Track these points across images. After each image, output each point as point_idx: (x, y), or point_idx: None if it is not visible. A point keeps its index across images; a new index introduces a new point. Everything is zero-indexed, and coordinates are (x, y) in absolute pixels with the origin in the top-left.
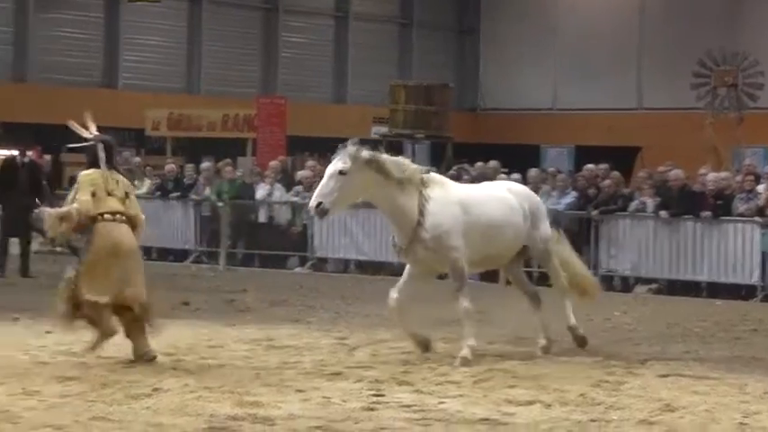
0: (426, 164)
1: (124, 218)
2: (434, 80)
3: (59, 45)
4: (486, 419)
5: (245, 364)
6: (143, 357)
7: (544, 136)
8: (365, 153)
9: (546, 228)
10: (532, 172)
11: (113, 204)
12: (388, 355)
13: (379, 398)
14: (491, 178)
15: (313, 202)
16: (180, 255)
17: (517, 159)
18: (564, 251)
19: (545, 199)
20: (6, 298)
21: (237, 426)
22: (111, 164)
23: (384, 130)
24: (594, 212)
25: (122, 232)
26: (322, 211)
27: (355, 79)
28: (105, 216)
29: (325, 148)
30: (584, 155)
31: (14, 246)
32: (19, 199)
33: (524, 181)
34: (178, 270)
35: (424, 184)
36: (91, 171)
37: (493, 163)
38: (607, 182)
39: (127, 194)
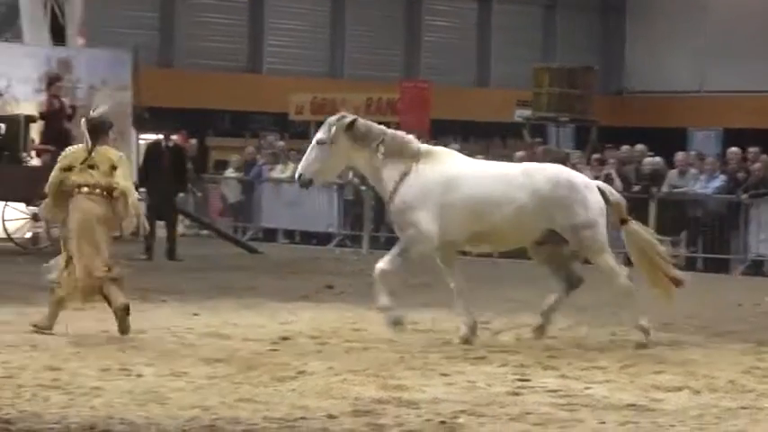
0: (570, 147)
1: (102, 191)
2: (578, 63)
3: (205, 30)
4: (633, 405)
5: (389, 348)
6: (120, 309)
7: (691, 119)
8: (345, 121)
9: (584, 215)
10: (679, 155)
11: (89, 178)
12: (533, 339)
13: (524, 382)
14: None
15: (296, 174)
16: (323, 238)
17: (663, 143)
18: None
19: (693, 183)
20: (153, 281)
21: (382, 409)
22: (96, 140)
23: (527, 113)
24: (744, 196)
25: (91, 204)
26: (304, 181)
27: (498, 62)
28: (82, 189)
29: (468, 132)
30: (732, 138)
31: (161, 229)
32: (164, 183)
33: (671, 165)
34: (321, 254)
35: (419, 156)
36: (73, 147)
37: (639, 147)
38: (757, 165)
39: (114, 167)
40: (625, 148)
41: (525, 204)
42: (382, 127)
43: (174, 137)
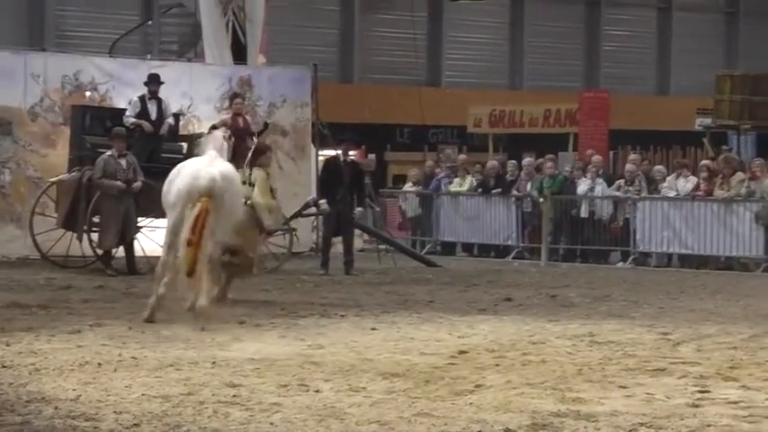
0: (753, 155)
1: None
2: (762, 69)
3: (384, 45)
4: None
5: (567, 360)
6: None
7: None
8: None
9: None
10: None
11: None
12: (714, 350)
13: (705, 394)
14: None
15: None
16: (501, 251)
17: None
18: None
19: None
20: (332, 295)
21: (560, 422)
22: (255, 161)
23: (708, 121)
24: None
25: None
26: None
27: (679, 70)
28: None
29: (648, 141)
30: None
31: (339, 244)
32: (341, 198)
33: None
34: (500, 266)
35: None
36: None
37: None
38: None
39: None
40: None
41: None
42: None
43: (352, 152)
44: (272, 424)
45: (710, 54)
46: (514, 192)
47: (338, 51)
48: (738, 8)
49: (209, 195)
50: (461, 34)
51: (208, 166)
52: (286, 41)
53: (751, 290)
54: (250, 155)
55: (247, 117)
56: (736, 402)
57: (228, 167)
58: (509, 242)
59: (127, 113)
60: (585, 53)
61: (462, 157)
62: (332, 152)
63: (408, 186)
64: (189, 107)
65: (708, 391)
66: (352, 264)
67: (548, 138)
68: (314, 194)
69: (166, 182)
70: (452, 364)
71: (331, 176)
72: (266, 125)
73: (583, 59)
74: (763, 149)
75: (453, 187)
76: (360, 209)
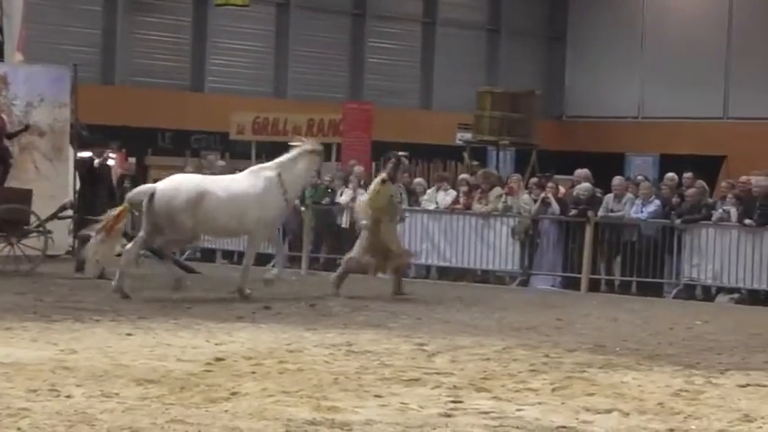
0: (511, 170)
1: None
2: (521, 87)
3: (147, 48)
4: (564, 427)
5: (324, 369)
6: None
7: (629, 144)
8: None
9: None
10: (616, 180)
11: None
12: (468, 361)
13: (457, 404)
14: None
15: None
16: (262, 259)
17: (602, 167)
18: None
19: (629, 207)
20: (88, 299)
21: (315, 430)
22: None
23: (468, 136)
24: (678, 221)
25: None
26: None
27: (441, 85)
28: None
29: (410, 154)
30: (669, 163)
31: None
32: (90, 200)
33: (608, 189)
34: (260, 274)
35: None
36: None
37: (580, 172)
38: (691, 191)
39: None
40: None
41: None
42: None
43: (110, 154)
44: (19, 429)
45: (472, 70)
46: None
47: (100, 52)
48: (500, 26)
49: None
50: (226, 40)
51: None
52: (46, 40)
53: (506, 303)
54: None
55: (3, 116)
56: (487, 413)
57: None
58: (269, 250)
59: None
60: (350, 64)
61: (221, 163)
62: (88, 154)
63: None
64: None
65: (460, 402)
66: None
67: None
68: (71, 197)
69: None
70: (208, 371)
71: (81, 178)
72: (27, 126)
73: (347, 71)
74: (520, 165)
75: None
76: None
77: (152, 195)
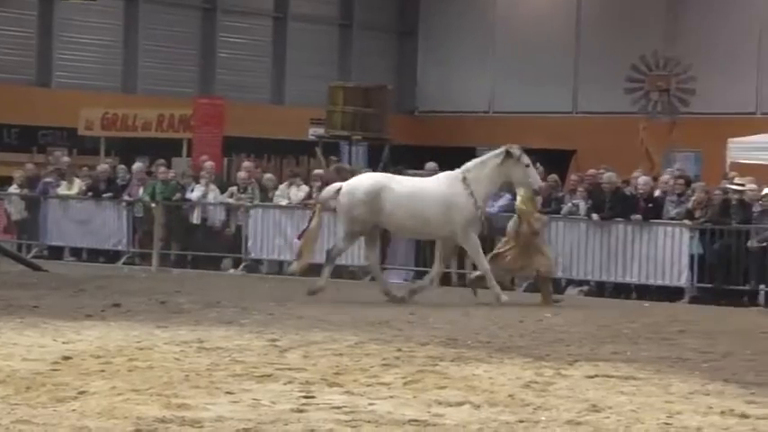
0: (364, 165)
1: None
2: (374, 82)
3: None
4: (416, 420)
5: (174, 366)
6: None
7: (481, 138)
8: None
9: None
10: None
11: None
12: (320, 356)
13: (309, 399)
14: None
15: None
16: (112, 256)
17: (454, 162)
18: None
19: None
20: None
21: (165, 428)
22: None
23: (321, 131)
24: None
25: None
26: None
27: (293, 80)
28: None
29: (262, 150)
30: None
31: None
32: None
33: None
34: (110, 271)
35: None
36: None
37: (430, 165)
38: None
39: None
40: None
41: None
42: None
43: None
44: None
45: (324, 65)
46: (126, 196)
47: None
48: (352, 20)
49: None
50: (73, 35)
51: None
52: None
53: (359, 298)
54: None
55: None
56: (339, 407)
57: None
58: (119, 247)
59: None
60: (201, 59)
61: (65, 159)
62: None
63: (14, 188)
64: None
65: (313, 397)
66: None
67: (161, 143)
68: None
69: None
70: (56, 370)
71: None
72: None
73: (198, 65)
74: (373, 160)
75: (62, 190)
76: None
77: (338, 191)
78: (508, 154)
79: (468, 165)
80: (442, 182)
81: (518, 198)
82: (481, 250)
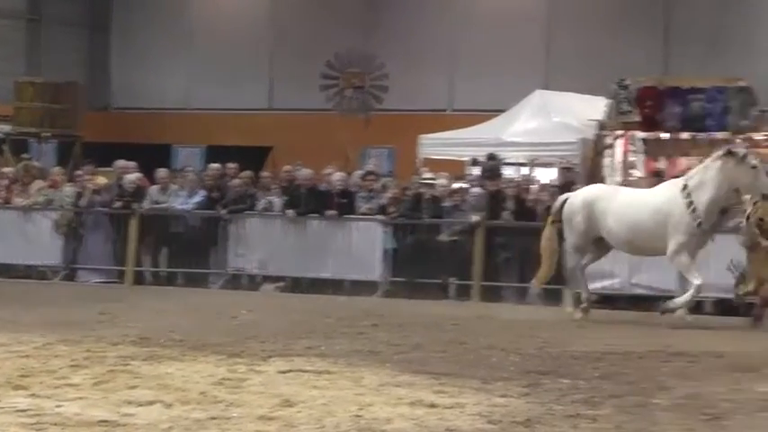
0: (53, 163)
1: None
2: (64, 78)
3: None
4: (105, 421)
5: None
6: None
7: (177, 135)
8: None
9: None
10: (161, 172)
11: None
12: (5, 359)
13: None
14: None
15: None
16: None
17: (149, 158)
18: None
19: (174, 199)
20: None
21: None
22: None
23: (8, 128)
24: (223, 212)
25: None
26: None
27: None
28: None
29: None
30: (215, 154)
31: None
32: None
33: (153, 180)
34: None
35: None
36: None
37: (121, 162)
38: (236, 181)
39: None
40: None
41: None
42: None
43: None
44: None
45: (12, 60)
46: None
47: None
48: (41, 15)
49: None
50: None
51: None
52: None
53: (49, 298)
54: None
55: None
56: (24, 410)
57: None
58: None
59: None
60: None
61: None
62: None
63: None
64: None
65: None
66: None
67: None
68: None
69: None
70: None
71: None
72: None
73: None
74: (62, 157)
75: None
76: None
77: (564, 202)
78: (729, 153)
79: (692, 171)
80: (660, 190)
81: (749, 208)
82: (693, 267)
